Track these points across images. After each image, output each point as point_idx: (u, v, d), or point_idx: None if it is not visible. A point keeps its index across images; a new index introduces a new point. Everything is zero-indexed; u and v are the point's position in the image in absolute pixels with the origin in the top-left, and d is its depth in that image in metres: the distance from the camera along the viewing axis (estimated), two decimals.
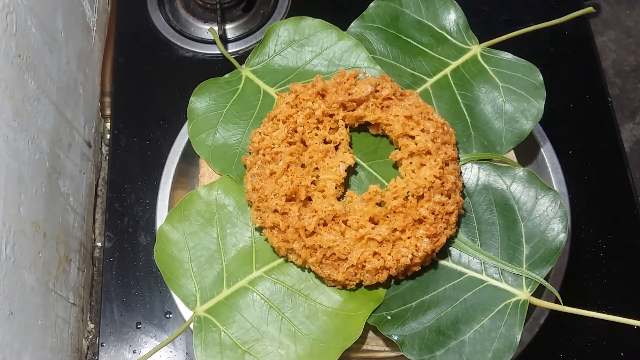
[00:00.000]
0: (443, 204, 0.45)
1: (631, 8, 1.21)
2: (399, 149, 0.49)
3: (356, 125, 0.50)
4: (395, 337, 0.44)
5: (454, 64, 0.53)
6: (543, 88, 0.52)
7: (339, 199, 0.47)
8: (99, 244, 0.67)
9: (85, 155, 0.66)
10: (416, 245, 0.44)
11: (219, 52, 0.69)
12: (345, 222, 0.45)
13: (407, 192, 0.46)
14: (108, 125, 0.70)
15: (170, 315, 0.58)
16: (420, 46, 0.54)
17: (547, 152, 0.57)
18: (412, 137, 0.48)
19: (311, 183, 0.46)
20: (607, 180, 0.64)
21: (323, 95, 0.49)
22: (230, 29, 0.72)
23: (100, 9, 0.75)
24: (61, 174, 0.59)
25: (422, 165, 0.47)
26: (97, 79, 0.72)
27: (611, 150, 0.66)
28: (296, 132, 0.48)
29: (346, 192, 0.47)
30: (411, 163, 0.48)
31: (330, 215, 0.45)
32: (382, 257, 0.44)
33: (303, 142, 0.48)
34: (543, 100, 0.52)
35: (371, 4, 0.55)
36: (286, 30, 0.55)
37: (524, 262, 0.45)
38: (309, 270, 0.46)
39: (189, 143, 0.55)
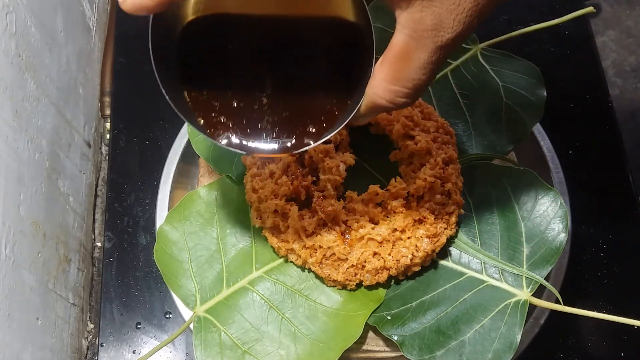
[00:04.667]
0: (443, 204, 0.45)
1: (631, 8, 1.21)
2: (399, 149, 0.49)
3: (356, 125, 0.50)
4: (395, 337, 0.44)
5: (454, 64, 0.53)
6: (543, 88, 0.52)
7: (339, 199, 0.47)
8: (99, 244, 0.67)
9: (85, 155, 0.66)
10: (416, 246, 0.44)
11: None
12: (345, 222, 0.45)
13: (407, 192, 0.46)
14: (108, 125, 0.70)
15: (170, 316, 0.58)
16: None
17: (547, 152, 0.57)
18: (412, 137, 0.48)
19: (311, 183, 0.46)
20: (607, 180, 0.64)
21: None
22: None
23: (100, 9, 0.75)
24: (61, 174, 0.59)
25: (422, 165, 0.47)
26: (97, 79, 0.72)
27: (611, 150, 0.66)
28: None
29: (346, 192, 0.47)
30: (411, 163, 0.48)
31: (330, 216, 0.45)
32: (382, 257, 0.44)
33: None
34: (543, 100, 0.52)
35: (370, 5, 0.55)
36: None
37: (524, 262, 0.45)
38: (309, 270, 0.46)
39: (189, 143, 0.55)
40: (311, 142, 0.35)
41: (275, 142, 0.35)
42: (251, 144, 0.35)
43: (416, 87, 0.29)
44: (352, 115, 0.32)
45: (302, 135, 0.35)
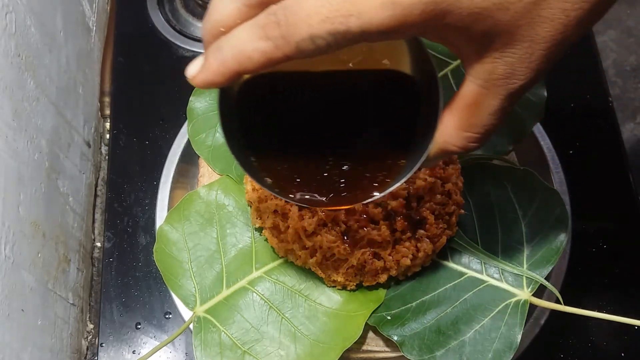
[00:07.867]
0: (443, 205, 0.45)
1: (631, 8, 1.21)
2: None
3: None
4: (395, 338, 0.44)
5: (454, 64, 0.53)
6: (543, 88, 0.52)
7: None
8: (99, 244, 0.67)
9: (84, 155, 0.66)
10: (416, 246, 0.44)
11: None
12: (345, 222, 0.45)
13: (407, 193, 0.46)
14: (107, 125, 0.70)
15: (170, 316, 0.58)
16: None
17: (547, 152, 0.57)
18: None
19: None
20: (607, 180, 0.64)
21: None
22: None
23: (100, 8, 0.75)
24: (60, 174, 0.59)
25: None
26: (96, 79, 0.72)
27: (611, 150, 0.66)
28: None
29: None
30: None
31: (330, 216, 0.45)
32: (382, 258, 0.44)
33: None
34: (543, 99, 0.52)
35: None
36: None
37: (524, 262, 0.45)
38: (309, 270, 0.46)
39: (188, 143, 0.55)
40: (377, 193, 0.35)
41: (344, 195, 0.35)
42: (321, 198, 0.36)
43: (487, 132, 0.30)
44: (419, 163, 0.33)
45: (371, 186, 0.35)
